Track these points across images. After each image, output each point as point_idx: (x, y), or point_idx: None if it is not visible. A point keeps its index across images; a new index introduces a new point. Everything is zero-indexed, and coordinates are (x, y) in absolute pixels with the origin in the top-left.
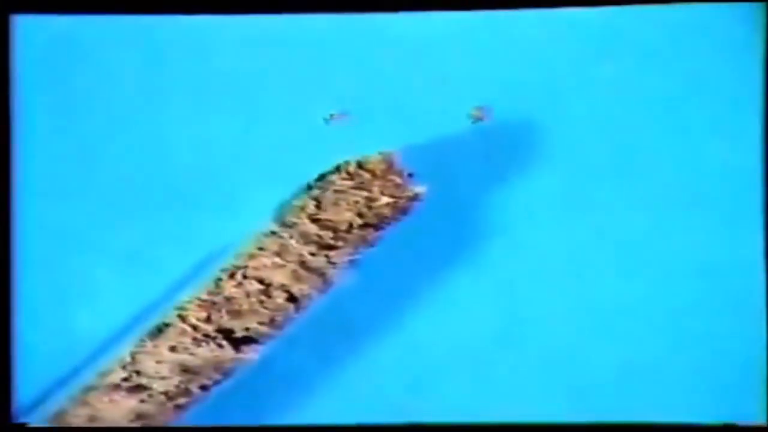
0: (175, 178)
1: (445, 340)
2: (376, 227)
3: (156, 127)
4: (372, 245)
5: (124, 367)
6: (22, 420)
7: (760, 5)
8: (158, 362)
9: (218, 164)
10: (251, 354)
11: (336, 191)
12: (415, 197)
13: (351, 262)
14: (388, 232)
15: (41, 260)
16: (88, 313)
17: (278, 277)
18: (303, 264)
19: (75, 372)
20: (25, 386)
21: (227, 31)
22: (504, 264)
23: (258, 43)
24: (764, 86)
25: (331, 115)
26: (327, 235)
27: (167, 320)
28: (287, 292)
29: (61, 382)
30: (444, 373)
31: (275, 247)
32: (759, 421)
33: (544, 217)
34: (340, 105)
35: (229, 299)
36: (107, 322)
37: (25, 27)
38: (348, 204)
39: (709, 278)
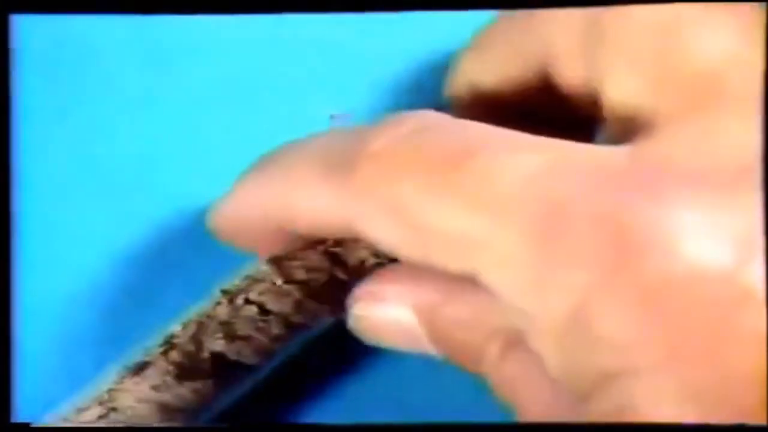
0: (176, 178)
1: None
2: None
3: (157, 128)
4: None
5: (101, 404)
6: (22, 420)
7: (760, 5)
8: (139, 401)
9: (218, 164)
10: (239, 386)
11: None
12: None
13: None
14: None
15: (41, 260)
16: (89, 313)
17: (280, 306)
18: (308, 292)
19: (76, 373)
20: (25, 386)
21: (227, 31)
22: None
23: (258, 43)
24: (764, 86)
25: (332, 116)
26: (339, 271)
27: (149, 358)
28: (286, 320)
29: (63, 384)
30: (444, 373)
31: (279, 274)
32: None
33: None
34: (341, 105)
35: (225, 323)
36: (109, 323)
37: (25, 27)
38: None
39: None
